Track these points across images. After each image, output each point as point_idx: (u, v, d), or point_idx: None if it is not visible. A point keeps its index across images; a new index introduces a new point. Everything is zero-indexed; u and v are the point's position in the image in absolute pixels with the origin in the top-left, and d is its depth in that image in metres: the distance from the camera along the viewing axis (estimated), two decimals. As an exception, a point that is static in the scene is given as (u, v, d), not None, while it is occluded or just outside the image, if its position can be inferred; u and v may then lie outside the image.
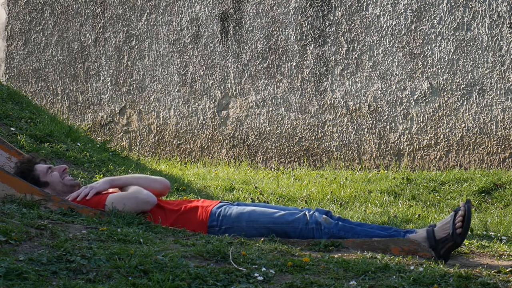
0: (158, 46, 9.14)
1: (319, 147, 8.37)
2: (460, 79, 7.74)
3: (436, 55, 7.83)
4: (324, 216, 4.22)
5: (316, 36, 8.36)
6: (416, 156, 7.94)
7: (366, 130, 8.16)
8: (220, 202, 4.41)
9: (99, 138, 9.09)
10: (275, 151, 8.59)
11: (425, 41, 7.87)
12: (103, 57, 9.48)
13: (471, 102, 7.69)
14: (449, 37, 7.77)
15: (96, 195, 4.37)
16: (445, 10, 7.78)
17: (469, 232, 4.99)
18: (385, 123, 8.07)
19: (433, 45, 7.83)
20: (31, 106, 7.19)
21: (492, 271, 3.60)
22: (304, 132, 8.43)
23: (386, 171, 7.83)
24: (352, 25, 8.20)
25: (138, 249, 3.47)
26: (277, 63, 8.55)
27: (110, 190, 4.48)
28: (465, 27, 7.71)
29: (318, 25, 8.34)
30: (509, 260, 4.25)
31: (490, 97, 7.60)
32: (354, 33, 8.19)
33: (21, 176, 4.40)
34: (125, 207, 4.22)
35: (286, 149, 8.53)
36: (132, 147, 9.34)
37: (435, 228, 4.11)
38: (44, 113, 7.20)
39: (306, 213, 4.24)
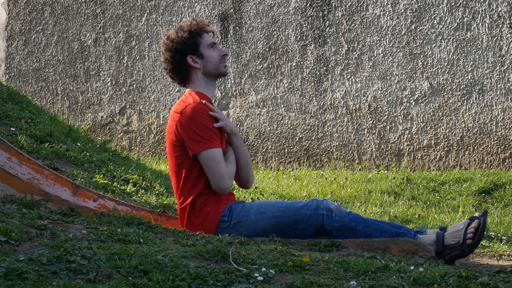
0: (158, 46, 9.14)
1: (319, 147, 8.37)
2: (460, 79, 7.74)
3: (436, 55, 7.83)
4: (335, 204, 4.17)
5: (316, 36, 8.36)
6: (416, 156, 7.94)
7: (366, 130, 8.16)
8: None
9: (99, 138, 9.09)
10: (275, 151, 8.59)
11: (425, 41, 7.87)
12: (103, 57, 9.47)
13: (471, 102, 7.69)
14: (449, 37, 7.77)
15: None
16: (445, 10, 7.78)
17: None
18: (385, 123, 8.07)
19: (433, 45, 7.83)
20: (31, 106, 7.19)
21: (492, 271, 3.60)
22: (304, 132, 8.43)
23: (386, 171, 7.83)
24: (352, 25, 8.19)
25: (138, 249, 3.47)
26: (277, 63, 8.55)
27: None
28: (465, 27, 7.71)
29: (318, 25, 8.34)
30: (509, 260, 4.25)
31: (490, 97, 7.60)
32: (354, 33, 8.19)
33: (184, 37, 4.31)
34: (207, 171, 4.17)
35: (286, 149, 8.53)
36: (132, 147, 9.34)
37: (446, 233, 4.03)
38: (44, 113, 7.20)
39: (316, 200, 4.19)
